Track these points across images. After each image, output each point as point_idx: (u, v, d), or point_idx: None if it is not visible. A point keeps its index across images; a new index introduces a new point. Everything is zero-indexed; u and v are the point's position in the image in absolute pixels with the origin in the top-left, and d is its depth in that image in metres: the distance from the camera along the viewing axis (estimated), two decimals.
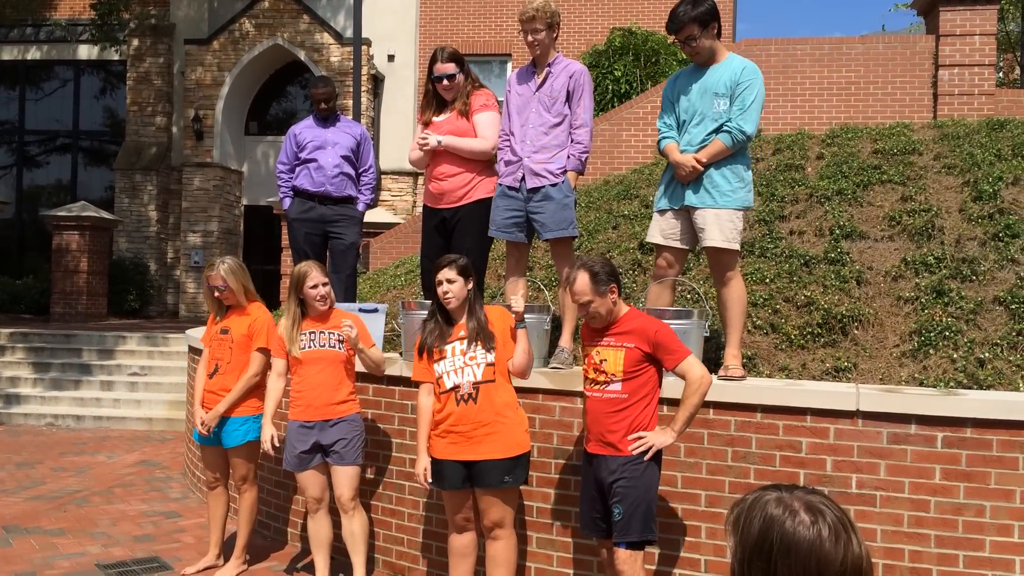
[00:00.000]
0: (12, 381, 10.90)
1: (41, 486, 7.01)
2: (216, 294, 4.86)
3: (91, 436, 9.41)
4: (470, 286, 3.98)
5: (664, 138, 4.47)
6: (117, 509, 6.33)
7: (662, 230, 4.48)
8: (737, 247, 4.35)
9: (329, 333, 4.48)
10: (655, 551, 4.20)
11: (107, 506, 6.41)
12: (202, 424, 4.82)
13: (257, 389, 4.92)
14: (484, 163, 5.05)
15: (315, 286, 4.41)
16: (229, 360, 4.86)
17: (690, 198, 4.34)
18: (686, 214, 4.41)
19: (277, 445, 4.57)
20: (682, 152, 4.34)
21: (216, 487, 5.03)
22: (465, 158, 4.97)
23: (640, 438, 3.55)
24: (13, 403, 10.44)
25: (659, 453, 3.59)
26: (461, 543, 4.07)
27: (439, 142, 4.90)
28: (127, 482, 7.20)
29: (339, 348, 4.47)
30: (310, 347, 4.46)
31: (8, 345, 11.56)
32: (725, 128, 4.24)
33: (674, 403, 3.98)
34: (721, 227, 4.28)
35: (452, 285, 3.92)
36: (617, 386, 3.58)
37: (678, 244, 4.43)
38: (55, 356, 11.43)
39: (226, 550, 5.14)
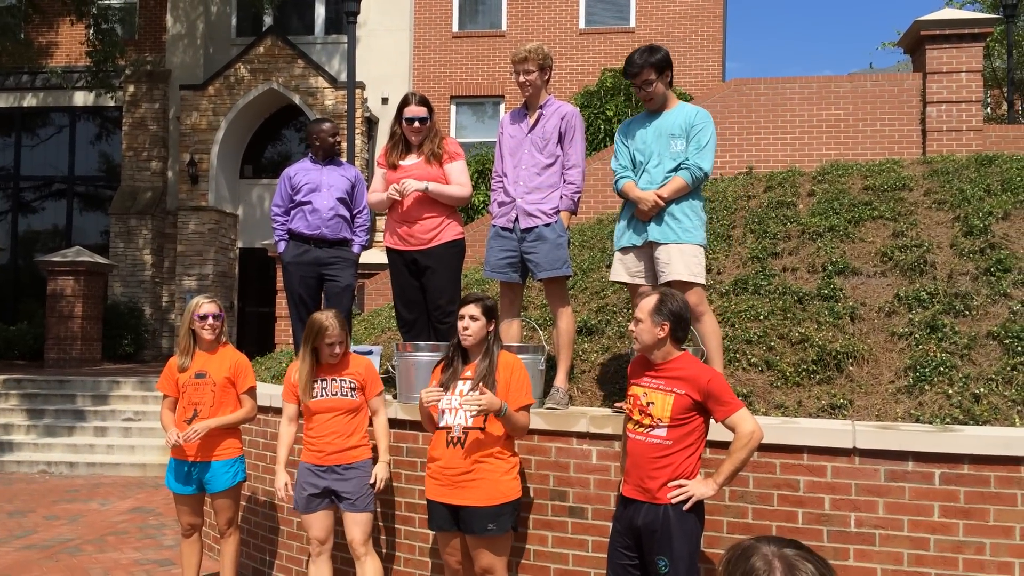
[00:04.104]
0: (5, 428, 10.82)
1: (33, 535, 6.92)
2: (210, 323, 4.82)
3: (84, 483, 9.32)
4: (491, 328, 3.98)
5: (621, 178, 4.61)
6: (110, 558, 6.26)
7: (627, 268, 4.59)
8: (702, 282, 4.44)
9: (341, 381, 4.44)
10: None
11: (100, 555, 6.33)
12: (183, 438, 4.62)
13: (235, 429, 4.90)
14: (452, 207, 5.18)
15: (331, 344, 4.38)
16: (212, 404, 4.79)
17: (653, 233, 4.45)
18: (648, 251, 4.51)
19: (291, 493, 4.52)
20: (644, 191, 4.46)
21: (192, 535, 4.94)
22: (436, 202, 5.06)
23: (681, 487, 3.45)
24: (6, 450, 10.35)
25: (700, 504, 3.51)
26: None
27: (426, 188, 4.97)
28: (120, 530, 7.12)
29: (352, 396, 4.42)
30: (322, 395, 4.42)
31: (2, 392, 11.50)
32: (684, 166, 4.40)
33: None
34: (685, 262, 4.37)
35: (474, 323, 3.93)
36: (662, 431, 3.49)
37: (643, 281, 4.53)
38: (49, 402, 11.36)
39: None
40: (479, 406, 3.71)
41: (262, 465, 5.74)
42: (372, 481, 4.34)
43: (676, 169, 4.42)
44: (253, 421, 5.83)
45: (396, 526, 4.89)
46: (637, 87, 4.50)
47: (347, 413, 4.41)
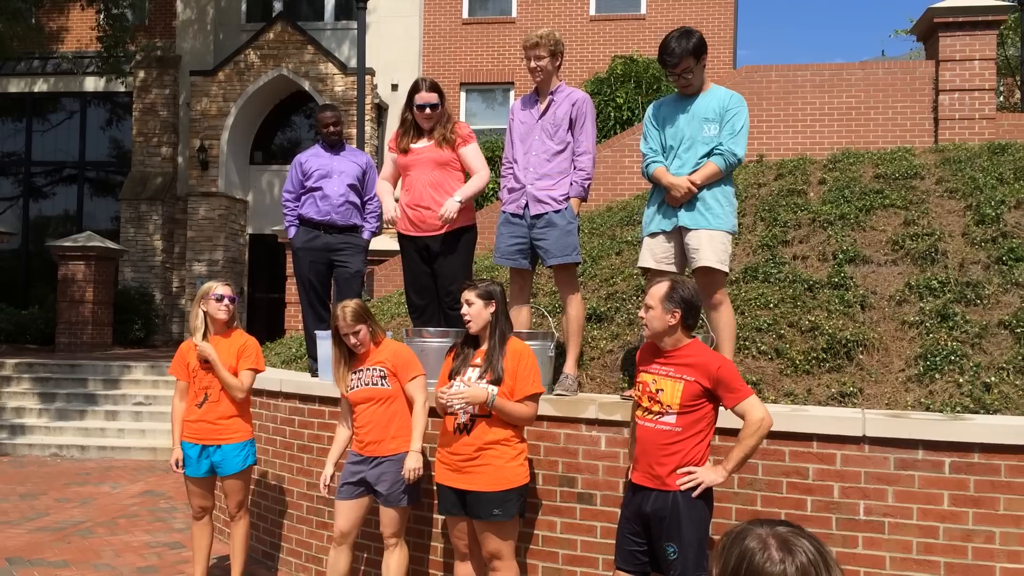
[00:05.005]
0: (17, 411, 10.90)
1: (45, 517, 6.98)
2: (225, 304, 4.83)
3: (95, 466, 9.39)
4: (491, 309, 3.97)
5: (652, 162, 4.51)
6: (121, 540, 6.31)
7: (654, 254, 4.50)
8: (727, 269, 4.39)
9: (372, 370, 4.38)
10: None
11: (111, 537, 6.39)
12: (199, 351, 4.71)
13: (246, 412, 4.92)
14: None
15: (346, 334, 4.36)
16: (222, 387, 4.81)
17: (684, 219, 4.37)
18: (678, 236, 4.44)
19: (332, 486, 4.50)
20: (675, 175, 4.38)
21: (203, 517, 4.97)
22: (447, 189, 5.05)
23: (690, 473, 3.45)
24: (18, 433, 10.43)
25: (709, 490, 3.50)
26: (464, 571, 4.08)
27: (460, 201, 4.95)
28: (131, 513, 7.17)
29: (383, 384, 4.34)
30: (358, 386, 4.38)
31: (14, 376, 11.57)
32: (717, 151, 4.31)
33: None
34: (714, 248, 4.31)
35: (471, 307, 3.94)
36: (671, 418, 3.48)
37: (671, 267, 4.45)
38: (60, 386, 11.44)
39: None
40: (462, 399, 3.74)
41: (272, 449, 5.77)
42: (404, 474, 4.24)
43: (709, 154, 4.33)
44: (258, 405, 5.86)
45: None
46: (676, 75, 4.37)
47: (381, 403, 4.34)
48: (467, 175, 5.18)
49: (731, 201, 4.40)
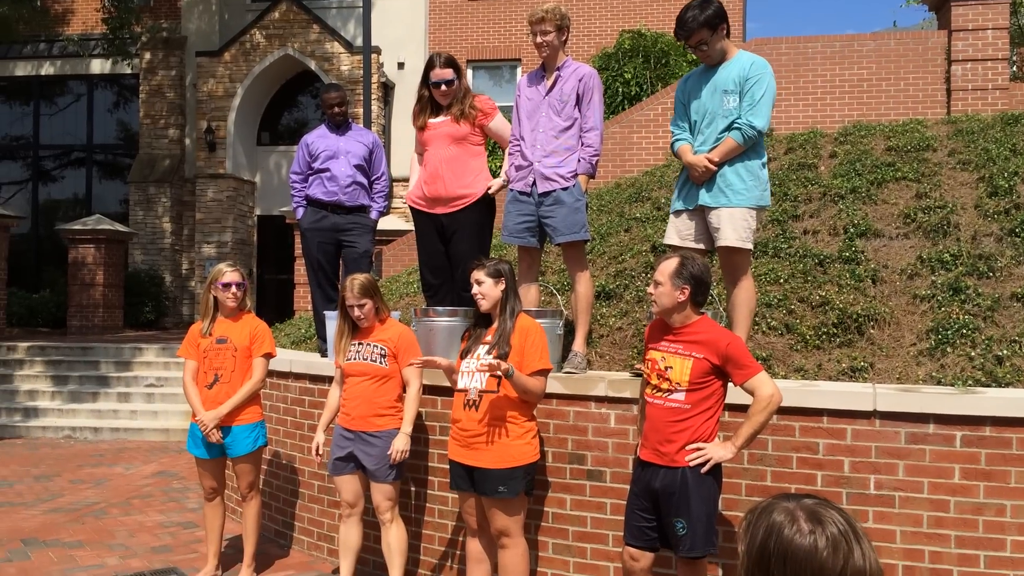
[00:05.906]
0: (30, 394, 10.97)
1: (59, 498, 7.04)
2: (233, 291, 4.84)
3: (108, 448, 9.45)
4: (501, 287, 3.97)
5: (677, 140, 4.45)
6: (135, 520, 6.35)
7: (678, 231, 4.44)
8: (750, 247, 4.31)
9: (372, 346, 4.41)
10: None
11: (125, 517, 6.43)
12: (211, 431, 4.72)
13: (256, 394, 4.92)
14: (481, 170, 5.14)
15: (351, 306, 4.39)
16: (233, 369, 4.81)
17: (704, 198, 4.30)
18: (701, 214, 4.37)
19: (321, 453, 4.57)
20: (696, 153, 4.31)
21: (214, 498, 5.00)
22: (463, 164, 5.05)
23: (699, 449, 3.44)
24: (32, 416, 10.51)
25: (718, 466, 3.49)
26: (475, 547, 4.10)
27: (503, 183, 5.02)
28: (145, 493, 7.22)
29: (381, 363, 4.39)
30: (356, 359, 4.42)
31: (26, 359, 11.64)
32: (735, 125, 4.20)
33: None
34: (735, 226, 4.23)
35: (481, 287, 3.95)
36: (680, 396, 3.47)
37: (695, 244, 4.38)
38: (72, 369, 11.50)
39: (224, 561, 5.18)
40: (483, 364, 3.76)
41: (283, 429, 5.79)
42: (389, 452, 4.32)
43: (730, 127, 4.22)
44: (269, 385, 5.87)
45: (416, 489, 4.92)
46: (691, 47, 4.29)
47: (375, 380, 4.38)
48: (484, 153, 5.18)
49: (756, 175, 4.27)
